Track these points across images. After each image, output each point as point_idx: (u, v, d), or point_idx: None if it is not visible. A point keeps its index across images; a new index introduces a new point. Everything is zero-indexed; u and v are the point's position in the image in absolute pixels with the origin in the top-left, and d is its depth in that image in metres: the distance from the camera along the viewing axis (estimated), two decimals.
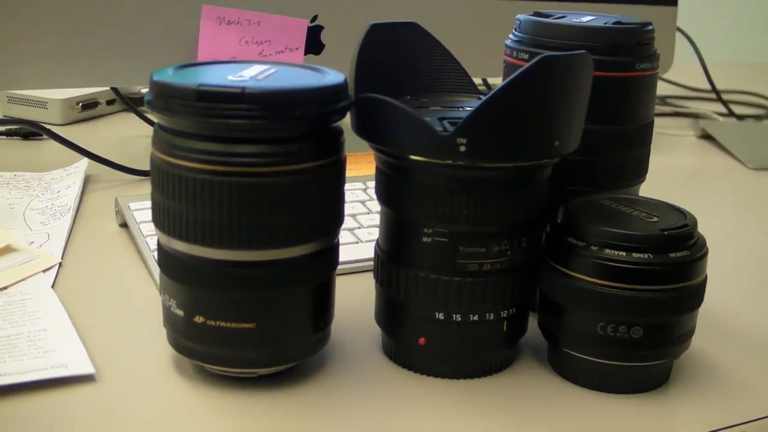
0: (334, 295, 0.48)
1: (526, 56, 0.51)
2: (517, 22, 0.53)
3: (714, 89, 1.15)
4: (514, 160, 0.43)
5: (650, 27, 0.52)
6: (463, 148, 0.42)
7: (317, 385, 0.47)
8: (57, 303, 0.52)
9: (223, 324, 0.44)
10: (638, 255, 0.44)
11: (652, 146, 0.55)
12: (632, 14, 0.56)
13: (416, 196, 0.45)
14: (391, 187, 0.46)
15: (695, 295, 0.45)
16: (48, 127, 0.81)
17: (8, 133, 0.89)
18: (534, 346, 0.50)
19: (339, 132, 0.45)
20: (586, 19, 0.53)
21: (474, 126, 0.41)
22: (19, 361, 0.46)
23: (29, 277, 0.56)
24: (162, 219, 0.43)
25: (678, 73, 1.16)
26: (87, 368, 0.45)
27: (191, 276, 0.43)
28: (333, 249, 0.47)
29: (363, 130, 0.45)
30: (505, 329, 0.47)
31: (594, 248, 0.45)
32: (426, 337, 0.47)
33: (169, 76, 0.42)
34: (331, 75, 0.45)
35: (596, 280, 0.45)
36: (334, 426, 0.43)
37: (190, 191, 0.42)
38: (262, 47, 0.77)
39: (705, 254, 0.46)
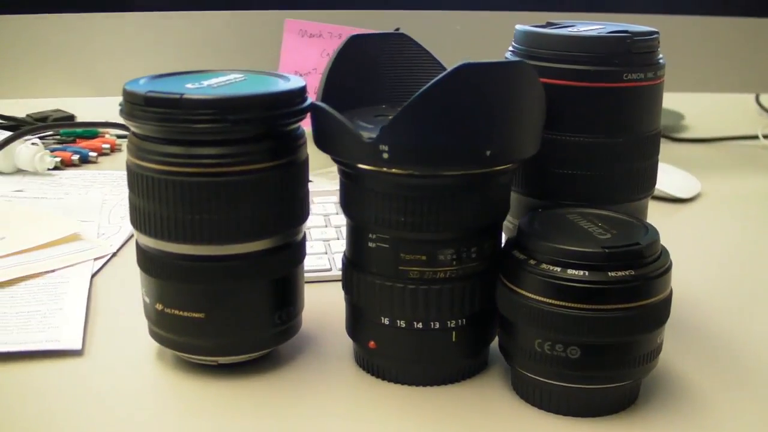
0: (299, 291, 0.50)
1: None
2: (515, 33, 0.52)
3: None
4: (438, 168, 0.43)
5: (646, 37, 0.50)
6: (386, 155, 0.43)
7: (273, 378, 0.49)
8: (84, 288, 0.58)
9: (177, 312, 0.47)
10: (573, 272, 0.43)
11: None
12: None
13: (362, 201, 0.46)
14: (344, 193, 0.48)
15: (641, 318, 0.43)
16: None
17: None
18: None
19: (298, 135, 0.47)
20: (585, 28, 0.51)
21: (393, 133, 0.42)
22: (25, 333, 0.51)
23: (79, 263, 0.62)
24: (133, 217, 0.48)
25: None
26: (75, 345, 0.51)
27: (152, 267, 0.47)
28: (292, 246, 0.49)
29: (316, 138, 0.47)
30: (454, 339, 0.47)
31: (532, 262, 0.44)
32: (375, 340, 0.48)
33: (137, 85, 0.46)
34: (288, 83, 0.47)
35: (533, 296, 0.43)
36: (269, 417, 0.45)
37: (151, 190, 0.46)
38: None
39: (658, 275, 0.43)
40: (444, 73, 0.41)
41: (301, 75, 0.80)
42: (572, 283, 0.42)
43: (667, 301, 0.44)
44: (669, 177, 0.82)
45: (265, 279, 0.48)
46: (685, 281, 0.56)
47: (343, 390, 0.48)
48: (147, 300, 0.48)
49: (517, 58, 0.43)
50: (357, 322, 0.49)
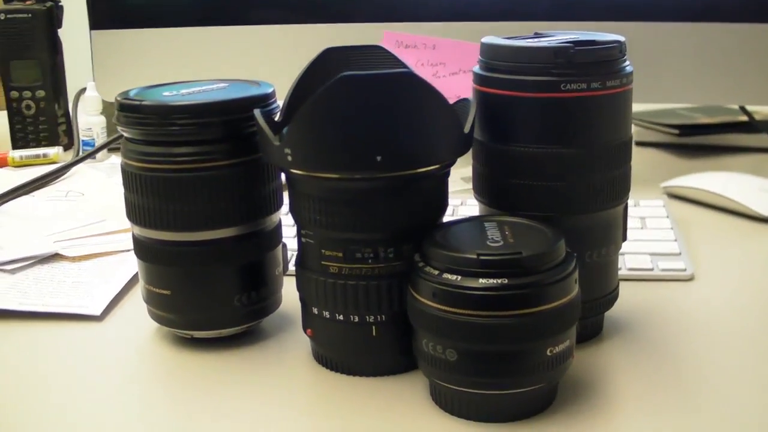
0: (269, 276, 0.55)
1: (477, 80, 0.52)
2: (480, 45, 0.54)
3: None
4: (333, 171, 0.46)
5: (594, 47, 0.49)
6: (290, 158, 0.47)
7: (237, 354, 0.54)
8: (134, 269, 0.67)
9: (151, 288, 0.55)
10: (448, 276, 0.44)
11: None
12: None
13: (292, 200, 0.50)
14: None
15: (515, 327, 0.43)
16: None
17: None
18: None
19: None
20: (551, 39, 0.51)
21: (292, 137, 0.46)
22: (63, 298, 0.62)
23: None
24: (127, 210, 0.55)
25: None
26: (95, 311, 0.60)
27: (138, 250, 0.55)
28: (259, 235, 0.54)
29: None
30: (374, 334, 0.50)
31: (421, 265, 0.46)
32: (312, 328, 0.52)
33: (129, 93, 0.54)
34: (252, 91, 0.53)
35: (419, 297, 0.45)
36: (221, 389, 0.51)
37: (134, 185, 0.53)
38: (437, 69, 0.83)
39: (538, 286, 0.43)
40: (327, 83, 0.44)
41: None
42: (445, 287, 0.44)
43: (553, 314, 0.44)
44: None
45: (228, 263, 0.53)
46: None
47: (284, 370, 0.52)
48: (141, 280, 0.56)
49: (407, 70, 0.45)
50: (302, 310, 0.53)
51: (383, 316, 0.49)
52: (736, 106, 0.96)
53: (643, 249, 0.66)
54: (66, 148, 1.06)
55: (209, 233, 0.53)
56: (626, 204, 0.54)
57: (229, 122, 0.52)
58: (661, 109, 1.05)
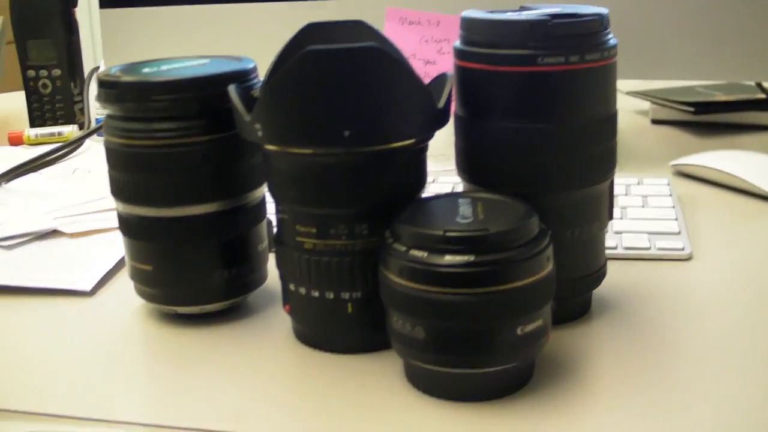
0: (252, 252, 0.55)
1: (457, 54, 0.51)
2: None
3: None
4: (301, 146, 0.46)
5: (575, 19, 0.47)
6: (260, 133, 0.46)
7: (221, 330, 0.54)
8: None
9: (133, 263, 0.55)
10: (415, 252, 0.43)
11: None
12: None
13: (267, 175, 0.50)
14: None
15: (480, 305, 0.42)
16: None
17: None
18: None
19: None
20: (533, 12, 0.50)
21: (261, 112, 0.46)
22: (56, 273, 0.62)
23: None
24: (111, 187, 0.55)
25: None
26: (85, 287, 0.60)
27: (121, 226, 0.55)
28: (241, 210, 0.54)
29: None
30: (350, 311, 0.49)
31: (389, 241, 0.45)
32: (290, 304, 0.52)
33: (111, 70, 0.54)
34: (232, 66, 0.53)
35: (387, 273, 0.45)
36: (189, 364, 0.51)
37: (115, 161, 0.53)
38: (441, 45, 0.82)
39: (505, 263, 0.42)
40: (293, 58, 0.44)
41: None
42: (412, 263, 0.43)
43: (522, 292, 0.43)
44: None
45: (208, 239, 0.53)
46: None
47: (264, 347, 0.52)
48: (126, 256, 0.57)
49: (374, 44, 0.44)
50: (282, 287, 0.53)
51: (358, 293, 0.49)
52: (753, 83, 0.94)
53: (641, 228, 0.64)
54: (81, 126, 1.07)
55: (188, 209, 0.53)
56: (612, 181, 0.53)
57: (206, 98, 0.52)
58: (678, 87, 1.02)
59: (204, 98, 0.51)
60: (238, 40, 0.91)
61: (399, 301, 0.44)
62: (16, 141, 1.01)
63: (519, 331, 0.44)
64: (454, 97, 0.51)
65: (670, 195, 0.70)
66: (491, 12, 0.51)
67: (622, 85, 1.07)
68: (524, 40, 0.48)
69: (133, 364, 0.52)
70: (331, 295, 0.49)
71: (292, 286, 0.51)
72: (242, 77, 0.52)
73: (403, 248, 0.44)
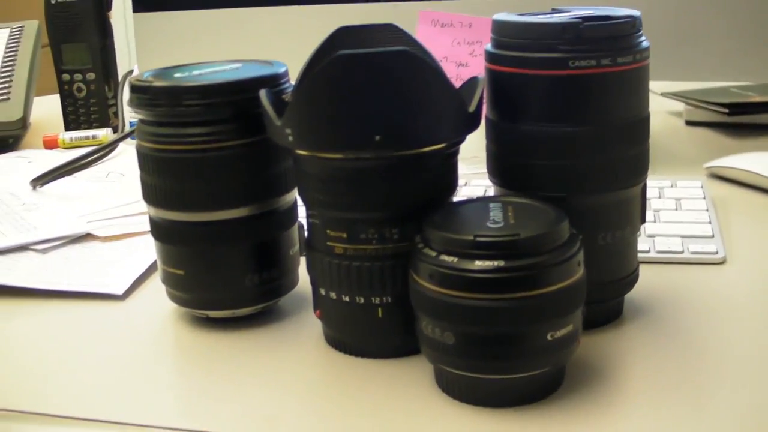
0: (283, 256, 0.55)
1: (488, 57, 0.51)
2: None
3: None
4: (332, 151, 0.46)
5: (607, 22, 0.47)
6: (291, 138, 0.47)
7: (252, 334, 0.55)
8: None
9: (166, 268, 0.55)
10: (445, 257, 0.43)
11: None
12: None
13: (299, 180, 0.50)
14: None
15: (511, 310, 0.42)
16: None
17: None
18: None
19: None
20: (565, 14, 0.50)
21: (292, 117, 0.46)
22: (89, 277, 0.63)
23: None
24: (143, 191, 0.56)
25: None
26: (117, 290, 0.61)
27: (153, 230, 0.56)
28: (272, 214, 0.54)
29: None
30: (380, 315, 0.49)
31: (420, 246, 0.45)
32: (320, 309, 0.52)
33: (143, 75, 0.55)
34: (263, 71, 0.53)
35: (417, 279, 0.45)
36: (219, 368, 0.51)
37: (147, 166, 0.54)
38: (473, 47, 0.82)
39: (535, 269, 0.42)
40: (324, 62, 0.44)
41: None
42: (442, 268, 0.43)
43: (553, 297, 0.43)
44: None
45: (238, 243, 0.54)
46: None
47: (294, 352, 0.52)
48: (157, 261, 0.57)
49: (404, 48, 0.44)
50: (312, 291, 0.53)
51: (389, 298, 0.49)
52: None
53: (674, 231, 0.64)
54: (116, 130, 1.08)
55: (220, 213, 0.53)
56: (645, 184, 0.52)
57: (237, 102, 0.52)
58: (713, 88, 1.01)
59: (235, 103, 0.52)
60: (272, 43, 0.91)
61: (429, 306, 0.44)
62: (51, 144, 1.03)
63: (549, 337, 0.43)
64: (485, 100, 0.51)
65: (704, 198, 0.69)
66: (522, 15, 0.51)
67: (656, 86, 1.06)
68: (555, 43, 0.47)
69: (164, 367, 0.52)
70: (362, 300, 0.49)
71: (322, 291, 0.51)
72: (273, 82, 0.52)
73: (434, 253, 0.44)
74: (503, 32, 0.50)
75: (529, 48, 0.48)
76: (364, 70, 0.44)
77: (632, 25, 0.48)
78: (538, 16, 0.50)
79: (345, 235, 0.48)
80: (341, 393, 0.48)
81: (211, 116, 0.52)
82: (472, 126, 0.48)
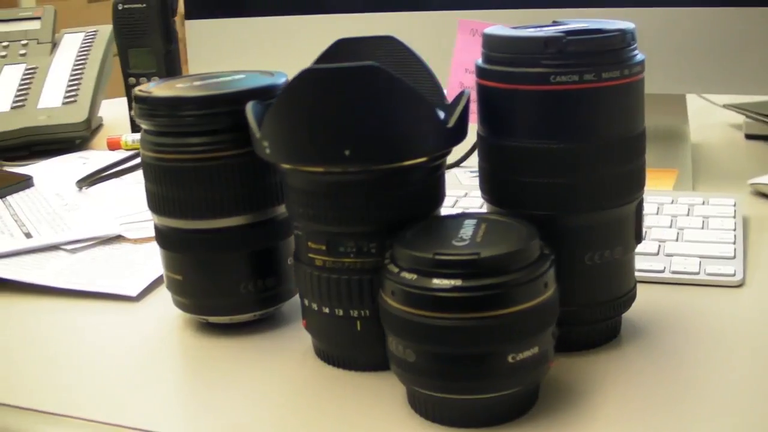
0: (281, 264, 0.56)
1: (477, 72, 0.50)
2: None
3: None
4: (305, 165, 0.46)
5: (593, 36, 0.46)
6: (267, 150, 0.47)
7: (242, 343, 0.56)
8: None
9: (168, 273, 0.57)
10: (406, 275, 0.43)
11: None
12: None
13: (284, 192, 0.51)
14: None
15: (468, 330, 0.41)
16: None
17: None
18: None
19: None
20: (558, 27, 0.49)
21: (267, 130, 0.46)
22: (108, 279, 0.65)
23: None
24: (147, 199, 0.58)
25: None
26: (131, 292, 0.63)
27: (156, 238, 0.57)
28: (269, 223, 0.55)
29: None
30: (359, 328, 0.49)
31: (386, 262, 0.45)
32: (306, 319, 0.52)
33: (151, 85, 0.56)
34: (262, 81, 0.54)
35: (382, 294, 0.45)
36: (211, 373, 0.53)
37: (149, 174, 0.56)
38: None
39: (493, 289, 0.41)
40: (293, 77, 0.44)
41: (470, 72, 0.83)
42: (402, 285, 0.43)
43: (514, 318, 0.42)
44: None
45: (234, 251, 0.55)
46: None
47: (283, 360, 0.53)
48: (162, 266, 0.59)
49: (372, 63, 0.44)
50: (300, 302, 0.53)
51: (367, 312, 0.49)
52: None
53: (695, 251, 0.61)
54: None
55: (218, 221, 0.54)
56: (640, 202, 0.50)
57: (235, 113, 0.52)
58: None
59: (232, 113, 0.52)
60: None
61: (391, 323, 0.44)
62: (114, 146, 1.06)
63: (510, 359, 0.43)
64: (474, 115, 0.51)
65: (734, 217, 0.66)
66: (514, 28, 0.50)
67: (718, 98, 1.02)
68: (539, 57, 0.46)
69: (158, 371, 0.53)
70: (341, 312, 0.49)
71: (306, 302, 0.51)
72: (270, 93, 0.53)
73: (396, 269, 0.44)
74: (491, 46, 0.49)
75: (514, 63, 0.47)
76: (330, 84, 0.44)
77: (621, 39, 0.47)
78: (528, 30, 0.49)
79: (324, 248, 0.49)
80: (314, 405, 0.48)
81: (209, 126, 0.53)
82: (453, 140, 0.48)
